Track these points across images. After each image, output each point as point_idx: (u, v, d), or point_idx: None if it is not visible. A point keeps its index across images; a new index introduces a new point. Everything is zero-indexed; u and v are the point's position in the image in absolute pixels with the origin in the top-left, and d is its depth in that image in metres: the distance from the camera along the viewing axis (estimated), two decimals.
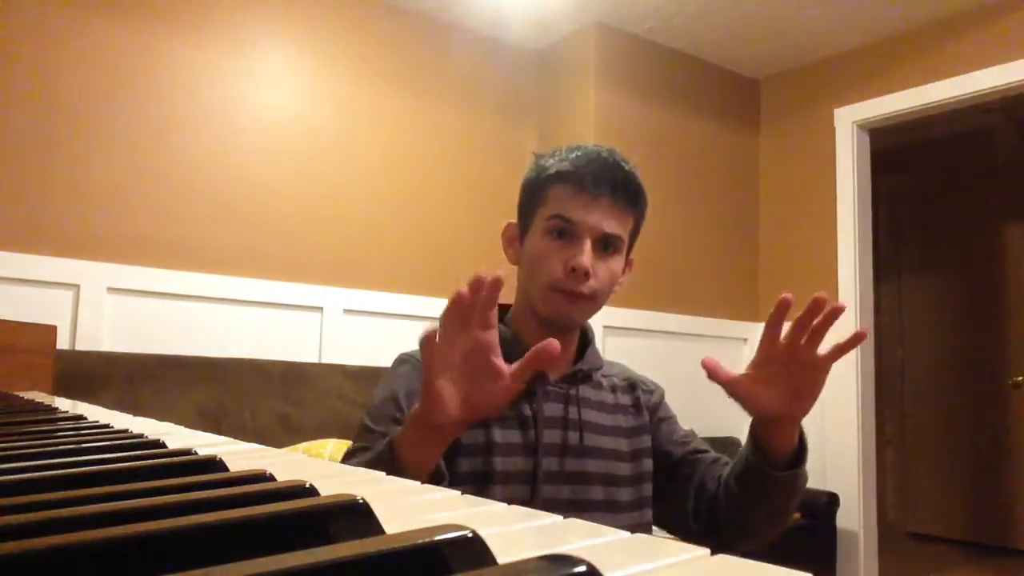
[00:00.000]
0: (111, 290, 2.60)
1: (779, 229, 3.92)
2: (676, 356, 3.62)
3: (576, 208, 1.03)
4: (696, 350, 3.69)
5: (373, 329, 3.14)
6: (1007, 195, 4.55)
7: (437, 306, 2.98)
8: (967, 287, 4.66)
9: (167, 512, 0.30)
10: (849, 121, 3.65)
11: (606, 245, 1.05)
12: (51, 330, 2.08)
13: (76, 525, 0.28)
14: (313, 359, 2.98)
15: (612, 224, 1.04)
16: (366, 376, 2.93)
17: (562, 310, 1.05)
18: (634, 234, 1.11)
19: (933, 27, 3.39)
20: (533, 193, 1.08)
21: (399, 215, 3.27)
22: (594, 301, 1.05)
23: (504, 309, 1.14)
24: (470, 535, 0.25)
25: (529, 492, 1.02)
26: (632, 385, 1.19)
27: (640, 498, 1.12)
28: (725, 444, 3.65)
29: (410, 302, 3.22)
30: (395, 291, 3.20)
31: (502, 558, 0.25)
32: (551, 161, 1.08)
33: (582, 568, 0.22)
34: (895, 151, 4.63)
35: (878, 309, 4.50)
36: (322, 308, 3.01)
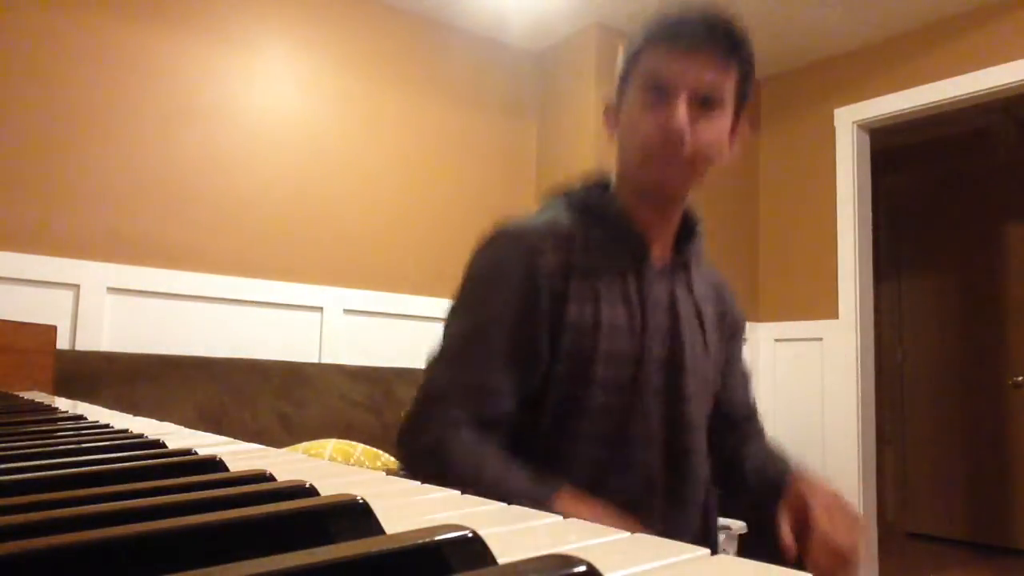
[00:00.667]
0: (111, 290, 2.60)
1: (779, 229, 3.92)
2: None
3: (669, 64, 0.93)
4: None
5: (373, 329, 3.14)
6: (1007, 195, 4.55)
7: (437, 306, 3.00)
8: (967, 287, 4.66)
9: (167, 512, 0.30)
10: (849, 121, 3.65)
11: (706, 102, 0.95)
12: (51, 330, 2.08)
13: (76, 525, 0.28)
14: (313, 359, 2.98)
15: (711, 76, 0.95)
16: (366, 376, 2.93)
17: (658, 177, 0.95)
18: (742, 89, 1.02)
19: (933, 27, 3.39)
20: (627, 64, 1.00)
21: (399, 215, 3.27)
22: (694, 166, 0.95)
23: (602, 183, 1.08)
24: (470, 535, 0.25)
25: (631, 376, 0.97)
26: (722, 284, 1.17)
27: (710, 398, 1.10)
28: None
29: (410, 302, 3.22)
30: (395, 291, 3.20)
31: (502, 558, 0.25)
32: (650, 25, 0.98)
33: (582, 568, 0.22)
34: (895, 151, 4.63)
35: (878, 309, 4.51)
36: (322, 308, 3.01)
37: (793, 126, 3.91)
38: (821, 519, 0.90)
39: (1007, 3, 3.17)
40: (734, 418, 1.16)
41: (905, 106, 3.46)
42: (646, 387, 0.98)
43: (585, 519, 0.65)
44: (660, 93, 0.94)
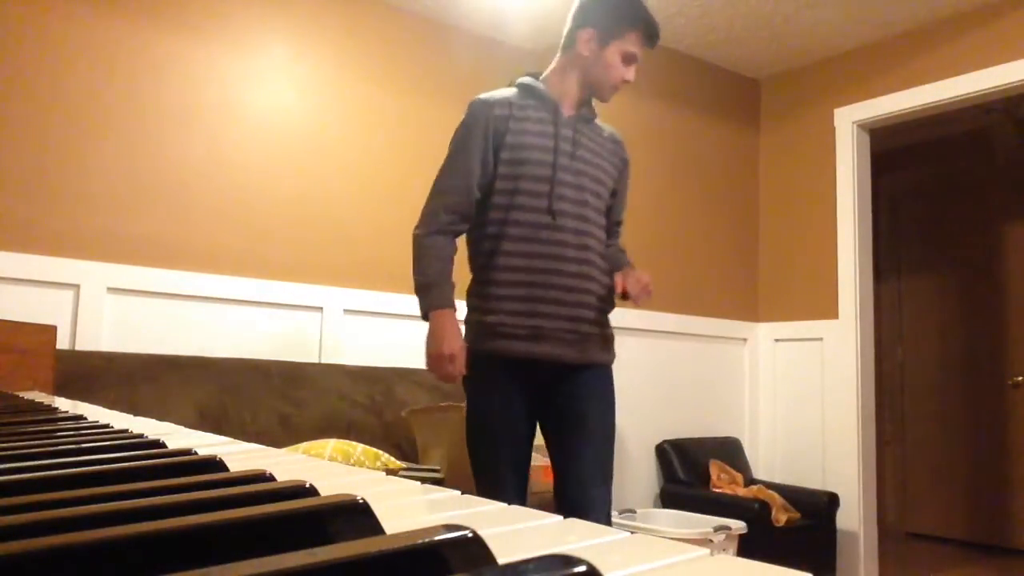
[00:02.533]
0: (111, 290, 2.60)
1: (779, 229, 3.92)
2: (676, 356, 3.62)
3: (639, 49, 1.80)
4: (696, 350, 3.70)
5: (373, 329, 3.14)
6: (1007, 195, 4.55)
7: None
8: (967, 287, 4.66)
9: (167, 512, 0.30)
10: (849, 121, 3.65)
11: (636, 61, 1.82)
12: (51, 330, 2.08)
13: (76, 525, 0.28)
14: (313, 359, 2.98)
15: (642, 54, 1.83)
16: (366, 376, 2.93)
17: (608, 93, 1.82)
18: None
19: (933, 27, 3.39)
20: (617, 27, 1.79)
21: (399, 215, 3.27)
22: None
23: (534, 74, 1.88)
24: (470, 535, 0.25)
25: (550, 172, 1.72)
26: (618, 140, 1.91)
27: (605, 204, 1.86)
28: (726, 444, 3.65)
29: (410, 302, 3.21)
30: (395, 291, 3.20)
31: (502, 558, 0.25)
32: (635, 15, 1.80)
33: (582, 568, 0.22)
34: (895, 151, 4.63)
35: (878, 309, 4.51)
36: (322, 308, 3.01)
37: (793, 126, 3.91)
38: (631, 273, 1.75)
39: (1007, 3, 3.17)
40: (612, 224, 1.89)
41: (905, 106, 3.46)
42: (555, 182, 1.72)
43: (438, 336, 1.68)
44: (629, 59, 1.80)
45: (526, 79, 1.83)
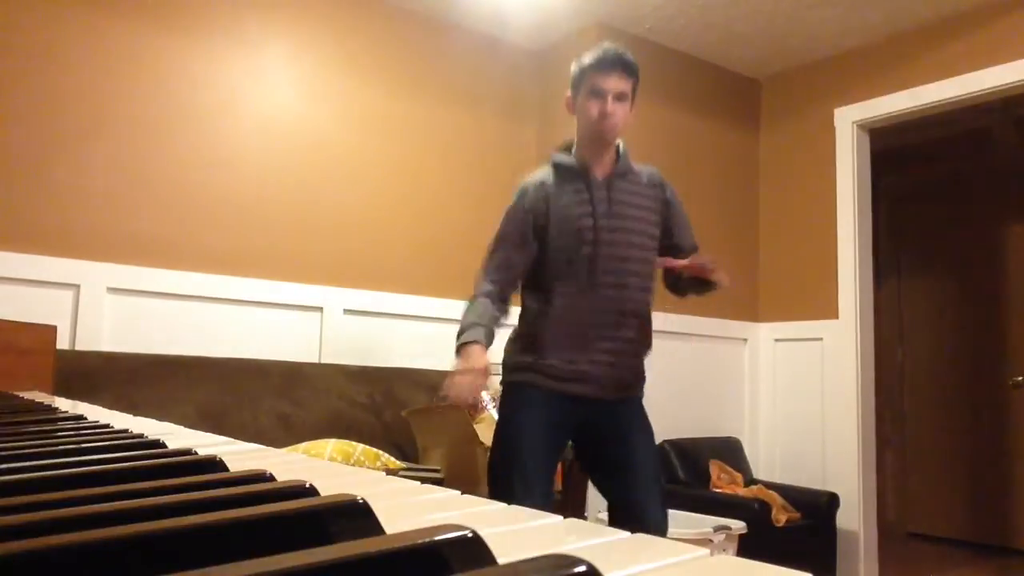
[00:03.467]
0: (111, 290, 2.60)
1: (779, 229, 3.92)
2: (676, 356, 3.62)
3: (603, 81, 1.87)
4: (696, 350, 3.70)
5: (373, 329, 3.14)
6: (1007, 195, 4.55)
7: (437, 306, 2.98)
8: (967, 287, 4.66)
9: (167, 512, 0.30)
10: (849, 121, 3.65)
11: (618, 97, 1.88)
12: (51, 330, 2.08)
13: (76, 525, 0.28)
14: (313, 359, 2.98)
15: (619, 86, 1.88)
16: (366, 376, 2.93)
17: (597, 134, 1.90)
18: (634, 91, 1.93)
19: (933, 27, 3.39)
20: (579, 78, 1.92)
21: (399, 215, 3.27)
22: (615, 126, 1.89)
23: (567, 148, 2.00)
24: (470, 535, 0.25)
25: (592, 237, 1.87)
26: (657, 181, 2.03)
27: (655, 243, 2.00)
28: (727, 444, 3.65)
29: (410, 302, 3.22)
30: (395, 291, 3.20)
31: (502, 558, 0.25)
32: (586, 60, 1.91)
33: (582, 568, 0.22)
34: (895, 151, 4.63)
35: (878, 309, 4.51)
36: (322, 308, 3.01)
37: (793, 126, 3.91)
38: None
39: (1007, 3, 3.17)
40: (687, 252, 1.99)
41: (905, 106, 3.46)
42: (597, 242, 1.87)
43: (466, 356, 1.79)
44: (598, 94, 1.89)
45: (556, 156, 1.99)
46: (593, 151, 1.93)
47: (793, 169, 3.89)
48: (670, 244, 2.01)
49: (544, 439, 1.88)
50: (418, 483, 0.43)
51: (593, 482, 2.03)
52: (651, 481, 1.93)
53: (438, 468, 2.51)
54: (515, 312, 1.99)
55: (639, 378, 1.98)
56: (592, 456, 1.98)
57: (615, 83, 1.87)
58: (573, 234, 1.87)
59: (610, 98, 1.87)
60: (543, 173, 1.96)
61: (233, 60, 2.92)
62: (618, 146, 1.97)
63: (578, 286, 1.87)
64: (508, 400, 1.94)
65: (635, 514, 1.89)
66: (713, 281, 1.92)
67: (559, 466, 2.64)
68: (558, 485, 2.63)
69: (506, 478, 1.86)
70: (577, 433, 1.95)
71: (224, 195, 2.86)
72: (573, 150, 1.97)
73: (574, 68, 1.94)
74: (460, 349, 1.81)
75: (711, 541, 2.76)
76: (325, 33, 3.14)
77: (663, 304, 3.64)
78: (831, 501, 3.32)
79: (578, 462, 2.14)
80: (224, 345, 2.79)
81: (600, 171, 1.93)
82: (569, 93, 1.96)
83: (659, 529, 1.92)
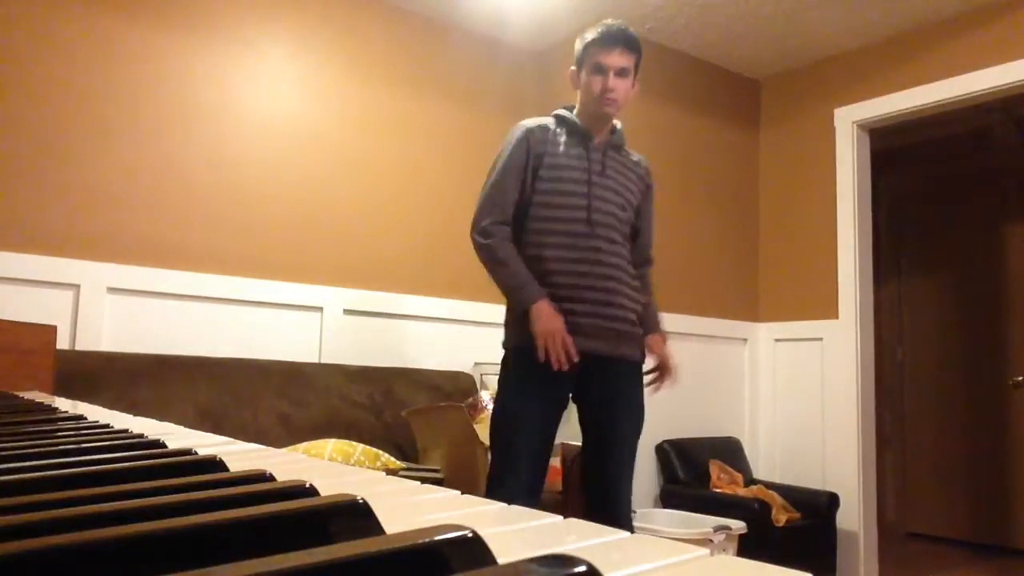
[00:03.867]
0: (111, 290, 2.60)
1: (779, 229, 3.92)
2: (676, 356, 3.61)
3: (604, 57, 1.95)
4: (696, 350, 3.70)
5: (373, 329, 3.14)
6: (1007, 195, 4.55)
7: (437, 306, 2.98)
8: (967, 287, 4.66)
9: (167, 512, 0.30)
10: (849, 121, 3.65)
11: (620, 72, 1.96)
12: (51, 330, 2.08)
13: (76, 525, 0.28)
14: (313, 359, 2.98)
15: (621, 61, 1.95)
16: (366, 376, 2.93)
17: (599, 108, 1.98)
18: (637, 66, 2.01)
19: (933, 27, 3.39)
20: (583, 53, 2.00)
21: (399, 215, 3.27)
22: (617, 101, 1.97)
23: (569, 107, 2.07)
24: (470, 535, 0.25)
25: (584, 190, 1.94)
26: (645, 167, 2.13)
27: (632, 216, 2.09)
28: (726, 444, 3.65)
29: (410, 302, 3.22)
30: (395, 291, 3.20)
31: (502, 558, 0.25)
32: (589, 35, 1.99)
33: (582, 568, 0.22)
34: (895, 151, 4.63)
35: (878, 309, 4.50)
36: (322, 308, 3.01)
37: (793, 126, 3.91)
38: (659, 346, 2.07)
39: (1007, 3, 3.17)
40: (638, 250, 2.11)
41: (905, 106, 3.46)
42: (590, 196, 1.95)
43: (545, 325, 1.84)
44: (601, 70, 1.96)
45: (561, 111, 2.06)
46: (593, 122, 2.00)
47: (793, 169, 3.89)
48: (635, 228, 2.11)
49: (543, 414, 1.92)
50: (418, 483, 0.43)
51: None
52: (627, 458, 1.98)
53: (438, 468, 2.51)
54: None
55: (636, 339, 2.01)
56: (584, 419, 2.03)
57: (617, 59, 1.94)
58: (571, 181, 1.94)
59: (612, 74, 1.94)
60: (545, 119, 2.04)
61: (234, 60, 2.92)
62: (615, 124, 2.07)
63: (572, 233, 1.92)
64: (508, 370, 1.96)
65: (603, 486, 1.95)
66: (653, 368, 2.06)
67: (559, 466, 2.64)
68: (558, 485, 2.63)
69: (507, 453, 1.90)
70: (579, 392, 1.99)
71: (224, 195, 2.86)
72: (575, 113, 2.05)
73: (578, 44, 2.02)
74: (532, 307, 1.84)
75: (711, 541, 2.76)
76: (325, 33, 3.14)
77: (663, 304, 3.64)
78: (831, 501, 3.32)
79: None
80: (224, 345, 2.79)
81: (598, 137, 2.02)
82: (573, 67, 2.04)
83: (621, 509, 1.95)
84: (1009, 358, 4.44)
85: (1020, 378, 4.38)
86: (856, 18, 3.40)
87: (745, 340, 3.88)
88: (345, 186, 3.13)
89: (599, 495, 1.97)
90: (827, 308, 3.65)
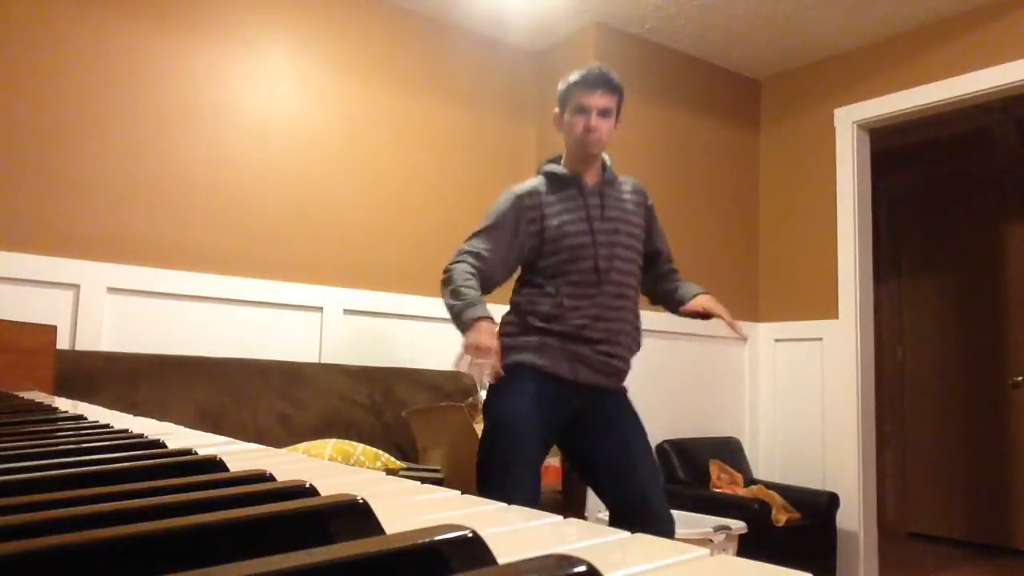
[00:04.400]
0: (111, 290, 2.60)
1: (779, 229, 3.92)
2: (676, 356, 3.62)
3: (586, 98, 1.99)
4: (696, 350, 3.70)
5: (373, 329, 3.14)
6: (1007, 195, 4.55)
7: (437, 306, 2.96)
8: (967, 287, 4.66)
9: (167, 512, 0.30)
10: (849, 121, 3.65)
11: (602, 113, 1.99)
12: (51, 330, 2.08)
13: (76, 525, 0.28)
14: (313, 359, 2.98)
15: (603, 102, 1.99)
16: (366, 376, 2.93)
17: (584, 148, 2.01)
18: (619, 106, 2.04)
19: (933, 27, 3.39)
20: (566, 95, 2.03)
21: (399, 215, 3.27)
22: (600, 140, 2.00)
23: (555, 160, 2.12)
24: (470, 535, 0.25)
25: (588, 240, 1.97)
26: (640, 190, 2.14)
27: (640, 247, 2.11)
28: (726, 444, 3.65)
29: (410, 302, 3.22)
30: (395, 291, 3.20)
31: (502, 558, 0.25)
32: (572, 78, 2.02)
33: (582, 568, 0.22)
34: (895, 151, 4.63)
35: (878, 309, 4.51)
36: (322, 308, 3.01)
37: (793, 126, 3.91)
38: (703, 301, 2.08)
39: (1007, 3, 3.17)
40: (662, 265, 2.20)
41: (905, 106, 3.46)
42: (596, 244, 1.97)
43: (480, 338, 1.83)
44: (583, 111, 2.00)
45: (548, 166, 2.10)
46: (581, 165, 2.04)
47: (793, 169, 3.89)
48: (651, 249, 2.16)
49: (538, 427, 1.93)
50: (418, 483, 0.43)
51: (590, 484, 2.03)
52: (652, 476, 1.97)
53: (438, 468, 2.51)
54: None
55: (625, 374, 2.06)
56: (586, 452, 2.01)
57: (599, 100, 1.98)
58: (573, 235, 1.97)
59: (594, 114, 1.98)
60: (534, 181, 2.07)
61: (233, 60, 2.92)
62: (604, 159, 2.10)
63: (583, 283, 1.96)
64: (504, 385, 1.95)
65: (640, 511, 1.91)
66: (710, 316, 2.07)
67: (559, 467, 2.64)
68: (558, 486, 2.63)
69: (501, 465, 1.90)
70: (568, 428, 1.99)
71: (224, 195, 2.86)
72: (562, 162, 2.09)
73: (561, 86, 2.07)
74: (472, 324, 1.85)
75: (711, 541, 2.76)
76: (325, 33, 3.14)
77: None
78: (831, 501, 3.32)
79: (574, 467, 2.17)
80: (224, 345, 2.79)
81: (590, 180, 2.05)
82: (557, 109, 2.08)
83: (668, 526, 1.94)
84: (1009, 358, 4.44)
85: (1020, 378, 4.38)
86: (856, 18, 3.40)
87: (745, 340, 3.88)
88: (345, 186, 3.13)
89: (643, 520, 1.91)
90: (827, 308, 3.65)
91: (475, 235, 2.03)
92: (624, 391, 2.06)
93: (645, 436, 2.04)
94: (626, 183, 2.13)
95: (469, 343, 1.83)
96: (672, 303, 2.16)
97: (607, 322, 1.97)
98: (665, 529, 1.93)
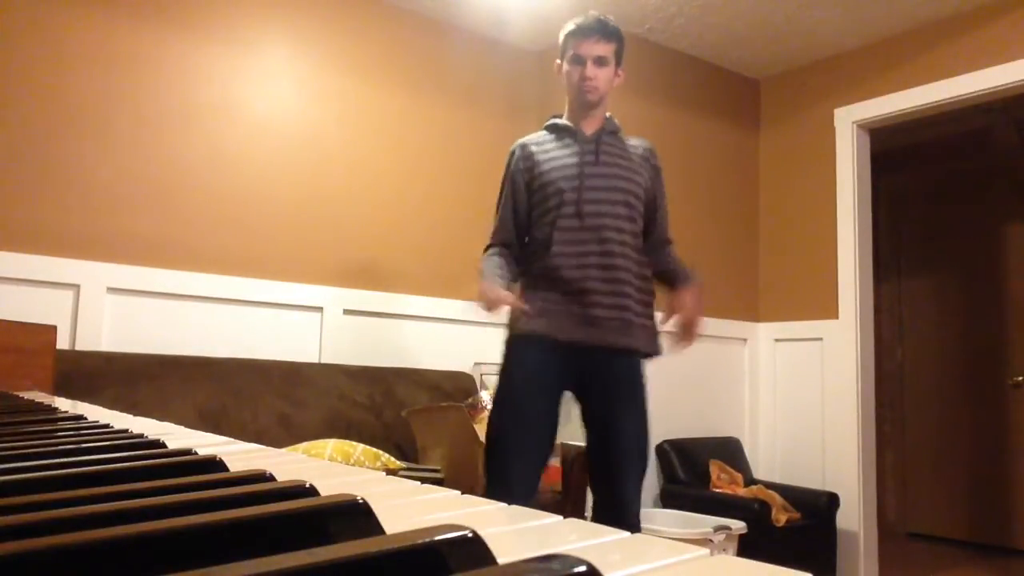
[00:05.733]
0: (111, 290, 2.60)
1: (779, 229, 3.92)
2: (676, 356, 3.61)
3: (581, 46, 2.00)
4: (696, 350, 3.69)
5: (373, 329, 3.14)
6: (1007, 195, 4.55)
7: (437, 306, 2.98)
8: (967, 287, 4.66)
9: (167, 512, 0.30)
10: (849, 121, 3.65)
11: (598, 61, 2.00)
12: (51, 330, 2.08)
13: (76, 525, 0.28)
14: (313, 359, 2.98)
15: (599, 49, 1.99)
16: (366, 376, 2.93)
17: (583, 96, 2.02)
18: (619, 54, 2.04)
19: (933, 27, 3.39)
20: (564, 45, 2.05)
21: (399, 215, 3.27)
22: (596, 89, 2.01)
23: (559, 115, 2.13)
24: (470, 535, 0.25)
25: (578, 184, 1.97)
26: (650, 148, 2.13)
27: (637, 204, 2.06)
28: (726, 444, 3.65)
29: (410, 302, 3.22)
30: (395, 291, 3.20)
31: (502, 558, 0.25)
32: (568, 27, 2.04)
33: (582, 568, 0.22)
34: (895, 151, 4.63)
35: (878, 309, 4.50)
36: (322, 308, 3.01)
37: (793, 126, 3.91)
38: (683, 300, 2.05)
39: (1007, 3, 3.17)
40: (659, 239, 2.14)
41: (905, 106, 3.46)
42: (582, 188, 1.97)
43: (486, 287, 1.91)
44: (579, 60, 2.01)
45: (552, 119, 2.13)
46: (580, 114, 2.06)
47: (793, 169, 3.89)
48: (651, 209, 2.12)
49: (541, 398, 1.95)
50: (418, 483, 0.43)
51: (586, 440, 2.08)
52: (634, 456, 1.97)
53: (438, 468, 2.51)
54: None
55: (639, 331, 2.00)
56: (583, 413, 2.05)
57: (594, 47, 1.99)
58: (560, 179, 1.99)
59: (589, 63, 1.99)
60: (534, 135, 2.13)
61: (233, 60, 2.92)
62: (606, 109, 2.12)
63: (571, 228, 1.95)
64: (510, 352, 1.99)
65: (608, 484, 1.96)
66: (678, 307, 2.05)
67: (559, 466, 2.64)
68: (558, 486, 2.63)
69: (504, 440, 1.93)
70: (578, 389, 2.02)
71: (224, 195, 2.86)
72: (564, 114, 2.12)
73: (560, 36, 2.09)
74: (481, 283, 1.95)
75: (711, 541, 2.76)
76: (325, 33, 3.14)
77: (663, 304, 3.64)
78: (831, 501, 3.32)
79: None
80: (224, 345, 2.79)
81: (587, 129, 2.06)
82: (557, 60, 2.11)
83: (628, 508, 1.95)
84: (1009, 358, 4.44)
85: (1020, 378, 4.38)
86: (856, 18, 3.40)
87: (745, 340, 3.88)
88: (345, 186, 3.13)
89: (605, 494, 1.98)
90: (827, 308, 3.65)
91: (498, 209, 2.10)
92: (637, 361, 2.03)
93: (640, 417, 2.01)
94: (637, 141, 2.13)
95: (481, 289, 1.90)
96: (668, 286, 2.13)
97: (603, 269, 1.93)
98: (629, 523, 1.93)
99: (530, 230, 2.06)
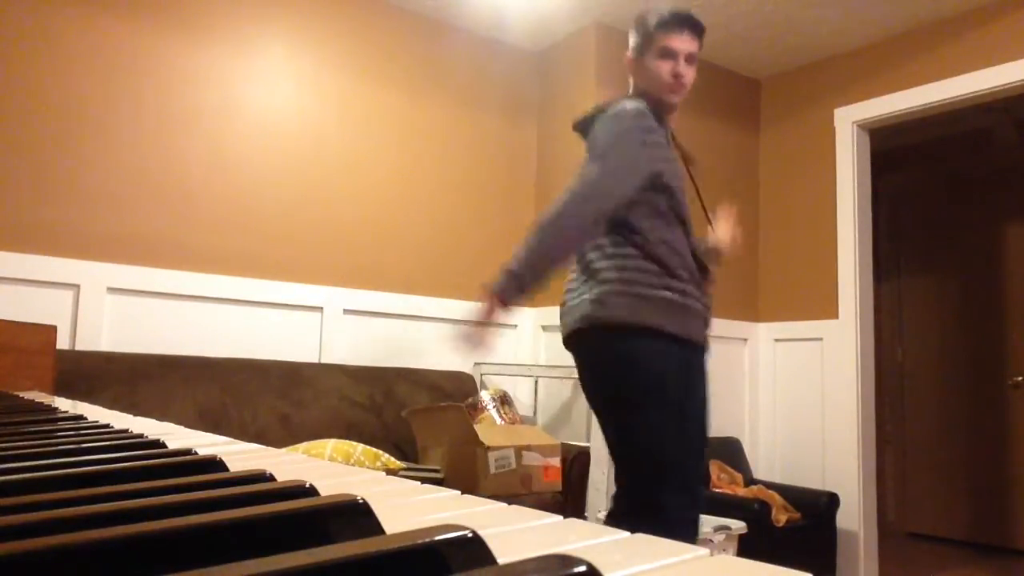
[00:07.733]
0: (111, 290, 2.60)
1: (779, 229, 3.92)
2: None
3: (673, 41, 1.88)
4: None
5: (373, 329, 3.14)
6: (1007, 195, 4.55)
7: (437, 306, 2.99)
8: (967, 287, 4.66)
9: (167, 512, 0.30)
10: (849, 121, 3.64)
11: (687, 58, 1.90)
12: (51, 330, 2.08)
13: (76, 525, 0.28)
14: (313, 359, 2.98)
15: (690, 47, 1.89)
16: (366, 376, 2.93)
17: (671, 95, 1.91)
18: (699, 50, 1.96)
19: (933, 27, 3.39)
20: (647, 39, 1.91)
21: (399, 215, 3.27)
22: (686, 88, 1.91)
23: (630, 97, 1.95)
24: (470, 535, 0.25)
25: (679, 176, 1.92)
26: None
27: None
28: (726, 444, 3.65)
29: (410, 302, 3.22)
30: (395, 291, 3.20)
31: (502, 558, 0.25)
32: (653, 20, 1.90)
33: (582, 568, 0.22)
34: (895, 151, 4.63)
35: (878, 309, 4.51)
36: (322, 308, 3.01)
37: (793, 126, 3.91)
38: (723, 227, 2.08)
39: (1007, 3, 3.17)
40: None
41: (905, 106, 3.46)
42: (681, 182, 1.91)
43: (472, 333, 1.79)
44: (670, 55, 1.88)
45: (643, 104, 1.89)
46: (662, 110, 1.92)
47: (793, 169, 3.89)
48: None
49: (695, 391, 1.86)
50: (418, 483, 0.43)
51: None
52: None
53: (438, 468, 2.51)
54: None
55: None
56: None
57: (686, 43, 1.87)
58: (676, 175, 1.90)
59: (682, 59, 1.87)
60: (641, 106, 1.87)
61: (233, 60, 2.92)
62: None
63: (674, 225, 1.86)
64: (644, 353, 1.78)
65: (699, 462, 1.88)
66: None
67: (559, 467, 2.64)
68: (558, 486, 2.63)
69: (677, 454, 1.77)
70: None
71: (224, 195, 2.86)
72: (642, 103, 1.93)
73: (637, 30, 1.93)
74: (512, 301, 1.72)
75: (711, 541, 2.76)
76: (326, 34, 3.14)
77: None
78: (831, 501, 3.32)
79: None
80: (224, 345, 2.79)
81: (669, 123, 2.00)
82: (630, 55, 1.94)
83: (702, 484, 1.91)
84: (1009, 358, 4.44)
85: (1020, 378, 4.37)
86: (856, 18, 3.40)
87: (745, 340, 3.88)
88: (345, 186, 3.13)
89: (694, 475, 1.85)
90: (827, 308, 3.65)
91: (609, 175, 1.78)
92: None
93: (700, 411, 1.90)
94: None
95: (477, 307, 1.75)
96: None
97: (697, 269, 1.90)
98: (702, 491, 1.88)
99: (636, 219, 1.83)
